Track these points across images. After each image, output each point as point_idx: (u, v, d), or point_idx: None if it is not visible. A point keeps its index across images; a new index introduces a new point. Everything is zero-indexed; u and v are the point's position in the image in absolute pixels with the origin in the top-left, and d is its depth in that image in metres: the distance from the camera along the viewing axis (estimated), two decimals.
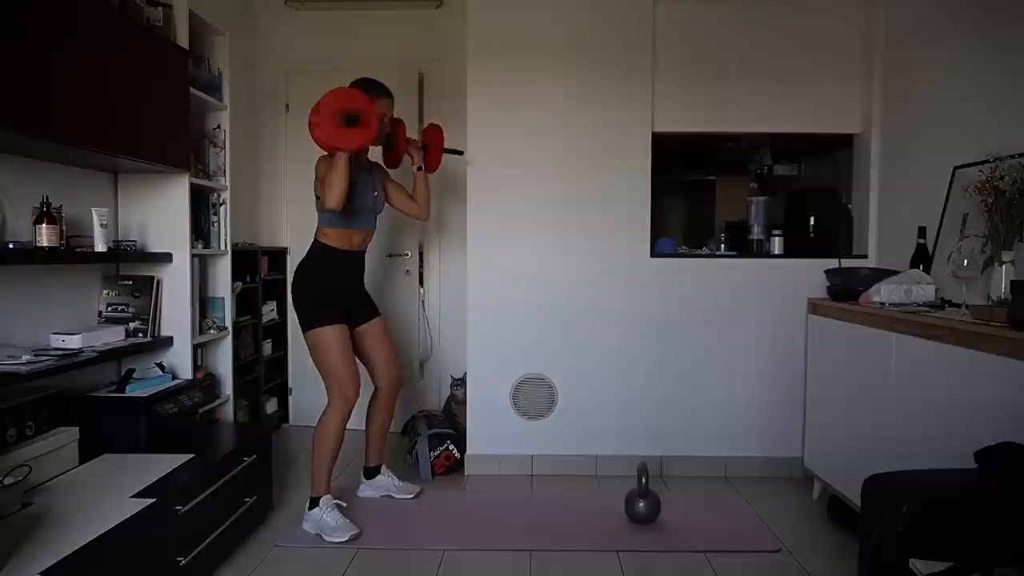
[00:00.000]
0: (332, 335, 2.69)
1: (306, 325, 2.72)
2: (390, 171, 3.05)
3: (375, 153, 3.01)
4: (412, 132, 3.16)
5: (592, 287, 3.37)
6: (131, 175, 2.78)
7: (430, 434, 3.37)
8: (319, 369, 2.72)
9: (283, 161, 4.19)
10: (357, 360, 2.82)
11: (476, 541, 2.62)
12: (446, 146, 3.13)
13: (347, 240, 2.76)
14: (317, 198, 2.74)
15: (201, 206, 3.05)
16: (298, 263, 2.80)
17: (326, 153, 2.65)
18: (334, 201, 2.57)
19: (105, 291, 2.71)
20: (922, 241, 2.74)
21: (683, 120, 3.39)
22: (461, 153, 3.25)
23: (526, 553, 2.53)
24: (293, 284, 2.79)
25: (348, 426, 2.79)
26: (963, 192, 2.50)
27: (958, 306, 2.30)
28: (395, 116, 2.91)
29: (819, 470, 2.99)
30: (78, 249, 2.42)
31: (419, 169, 2.98)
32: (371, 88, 2.74)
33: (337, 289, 2.77)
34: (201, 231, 3.05)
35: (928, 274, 2.63)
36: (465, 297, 3.44)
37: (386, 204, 2.97)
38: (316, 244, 2.77)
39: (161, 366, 2.73)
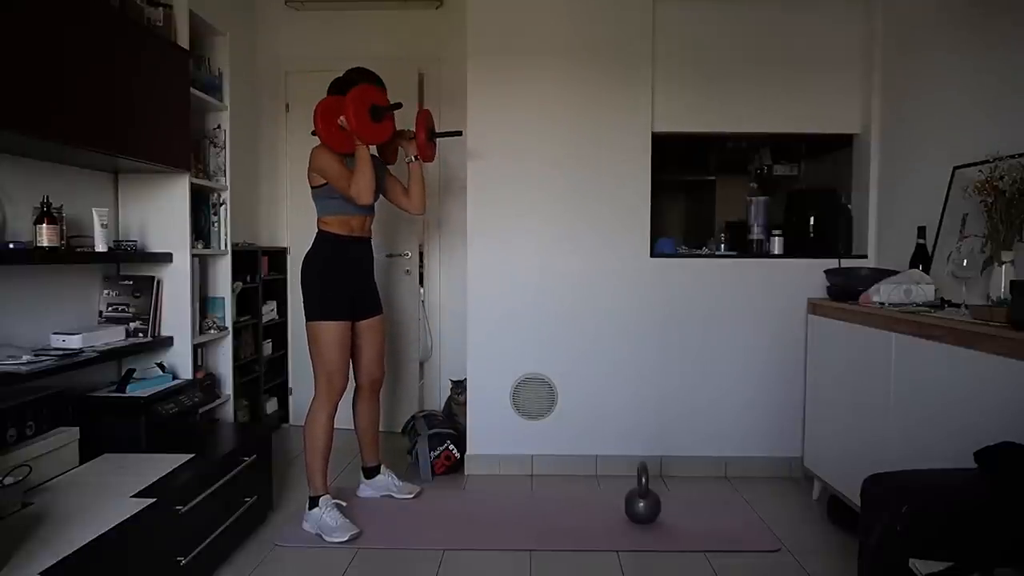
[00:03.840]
0: (333, 331, 2.71)
1: (309, 315, 2.74)
2: (389, 167, 3.04)
3: None
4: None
5: (592, 287, 3.37)
6: (131, 175, 2.78)
7: (430, 434, 3.37)
8: (312, 358, 2.75)
9: (283, 161, 4.19)
10: None
11: (476, 541, 2.62)
12: (437, 130, 3.05)
13: (346, 225, 2.77)
14: (313, 188, 2.75)
15: (201, 206, 3.05)
16: (305, 254, 2.80)
17: (320, 144, 2.70)
18: (366, 196, 2.67)
19: (105, 291, 2.71)
20: (922, 241, 2.74)
21: (683, 120, 3.39)
22: (459, 134, 3.15)
23: (526, 553, 2.53)
24: (302, 273, 2.79)
25: (342, 426, 2.80)
26: (963, 192, 2.50)
27: (958, 306, 2.30)
28: None
29: (819, 470, 2.99)
30: (78, 249, 2.43)
31: (412, 160, 2.91)
32: (376, 80, 2.82)
33: (346, 282, 2.78)
34: (201, 231, 3.05)
35: (928, 274, 2.63)
36: (465, 297, 3.44)
37: (381, 196, 2.95)
38: (319, 234, 2.80)
39: (161, 366, 2.73)
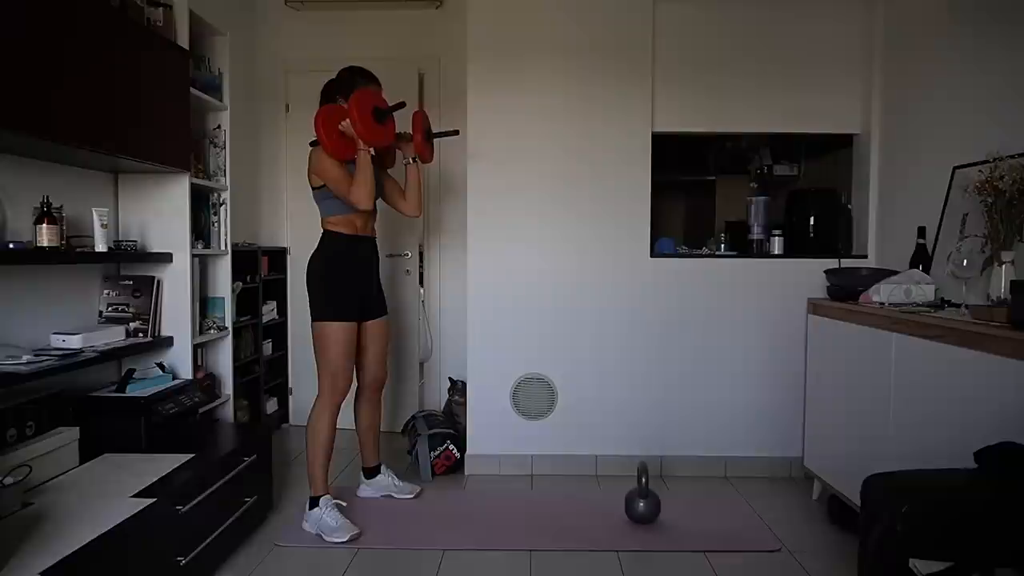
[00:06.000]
0: (339, 332, 2.72)
1: (316, 315, 2.74)
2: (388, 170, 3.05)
3: None
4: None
5: (592, 287, 3.37)
6: (131, 175, 2.78)
7: (430, 434, 3.37)
8: (316, 358, 2.75)
9: (283, 161, 4.19)
10: None
11: (476, 541, 2.62)
12: (434, 130, 3.05)
13: (351, 224, 2.77)
14: (314, 190, 2.75)
15: (201, 206, 3.05)
16: (311, 254, 2.79)
17: (317, 146, 2.70)
18: (366, 201, 2.67)
19: (105, 291, 2.71)
20: (922, 241, 2.74)
21: (683, 120, 3.39)
22: (456, 133, 3.14)
23: (526, 553, 2.53)
24: (309, 273, 2.78)
25: (343, 426, 2.80)
26: (963, 192, 2.50)
27: (958, 306, 2.30)
28: None
29: (819, 470, 2.99)
30: (78, 249, 2.42)
31: (411, 161, 2.90)
32: (371, 77, 2.82)
33: (354, 282, 2.78)
34: (201, 231, 3.05)
35: (928, 274, 2.63)
36: (465, 297, 3.44)
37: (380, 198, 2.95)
38: (324, 234, 2.79)
39: (161, 366, 2.73)
